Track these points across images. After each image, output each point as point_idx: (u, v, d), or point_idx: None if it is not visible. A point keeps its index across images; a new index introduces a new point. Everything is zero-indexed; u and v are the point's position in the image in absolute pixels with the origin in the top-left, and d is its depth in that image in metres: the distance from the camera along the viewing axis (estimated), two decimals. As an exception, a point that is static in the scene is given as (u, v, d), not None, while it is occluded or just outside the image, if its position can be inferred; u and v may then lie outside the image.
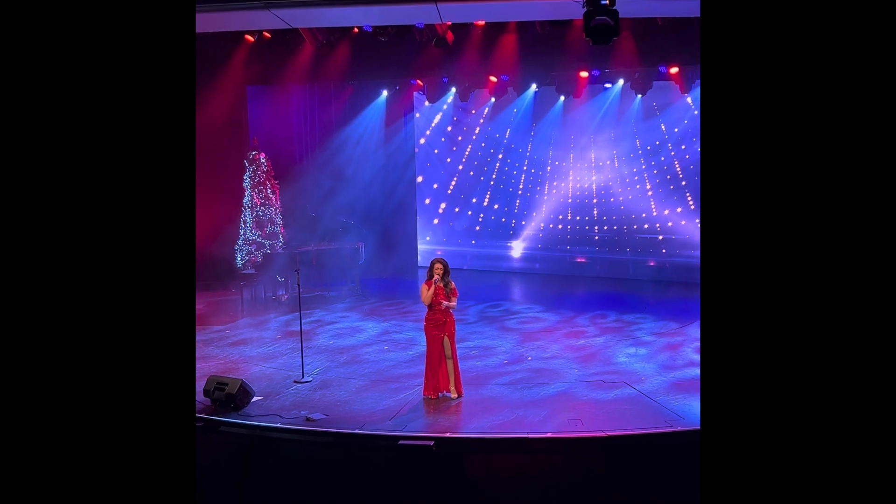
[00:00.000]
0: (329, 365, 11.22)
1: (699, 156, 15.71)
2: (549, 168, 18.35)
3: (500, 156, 18.86)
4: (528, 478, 7.87)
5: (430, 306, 9.75)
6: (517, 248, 18.82)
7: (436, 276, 9.79)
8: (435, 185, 19.69)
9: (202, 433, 8.93)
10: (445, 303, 9.73)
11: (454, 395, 9.83)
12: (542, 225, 18.45)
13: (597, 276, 17.56)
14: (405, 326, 13.36)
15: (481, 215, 19.18)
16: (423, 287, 9.85)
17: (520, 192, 18.71)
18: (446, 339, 9.84)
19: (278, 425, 9.15)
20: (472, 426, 8.77)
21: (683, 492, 7.47)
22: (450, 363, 9.87)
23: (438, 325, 9.81)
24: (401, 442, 8.44)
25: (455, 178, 19.39)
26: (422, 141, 19.42)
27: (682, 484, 7.56)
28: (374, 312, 14.69)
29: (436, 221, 19.71)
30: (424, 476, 8.08)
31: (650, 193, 17.17)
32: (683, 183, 16.68)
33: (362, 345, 12.31)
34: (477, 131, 18.92)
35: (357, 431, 8.92)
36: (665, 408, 8.96)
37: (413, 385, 10.16)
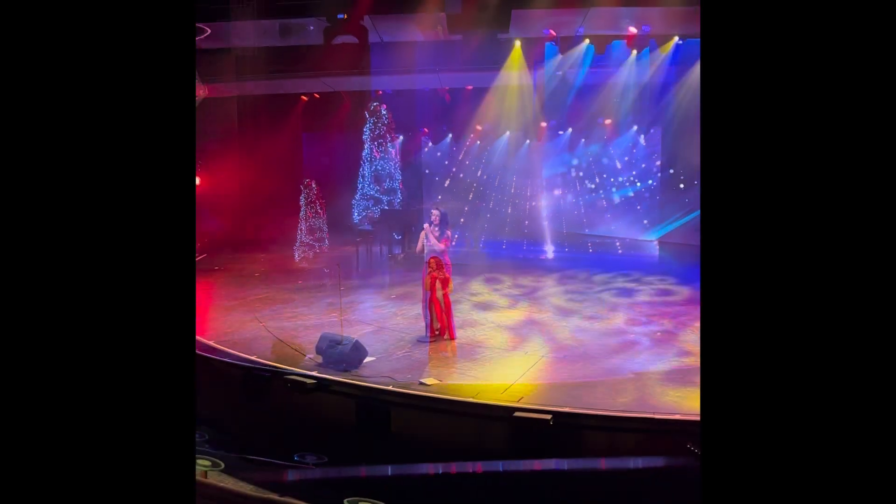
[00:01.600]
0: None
1: (614, 186, 15.71)
2: (513, 189, 17.98)
3: (475, 183, 18.36)
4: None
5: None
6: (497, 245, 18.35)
7: (433, 221, 8.88)
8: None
9: (311, 391, 7.49)
10: (432, 239, 8.80)
11: (447, 337, 8.96)
12: (507, 229, 18.11)
13: (547, 265, 17.13)
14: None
15: (462, 219, 18.74)
16: (421, 234, 8.98)
17: (491, 206, 18.32)
18: (439, 284, 8.84)
19: (390, 388, 7.37)
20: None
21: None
22: (443, 307, 8.97)
23: (433, 270, 8.86)
24: (515, 414, 6.72)
25: (440, 196, 18.90)
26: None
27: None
28: (491, 280, 12.22)
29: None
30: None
31: (583, 209, 16.87)
32: (605, 203, 16.33)
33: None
34: (461, 159, 18.36)
35: (470, 400, 7.10)
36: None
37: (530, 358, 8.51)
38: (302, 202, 15.31)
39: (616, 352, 8.84)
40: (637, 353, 8.80)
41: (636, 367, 8.33)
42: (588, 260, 13.32)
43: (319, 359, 8.29)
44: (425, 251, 9.03)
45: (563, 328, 9.87)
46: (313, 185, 15.31)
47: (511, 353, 8.88)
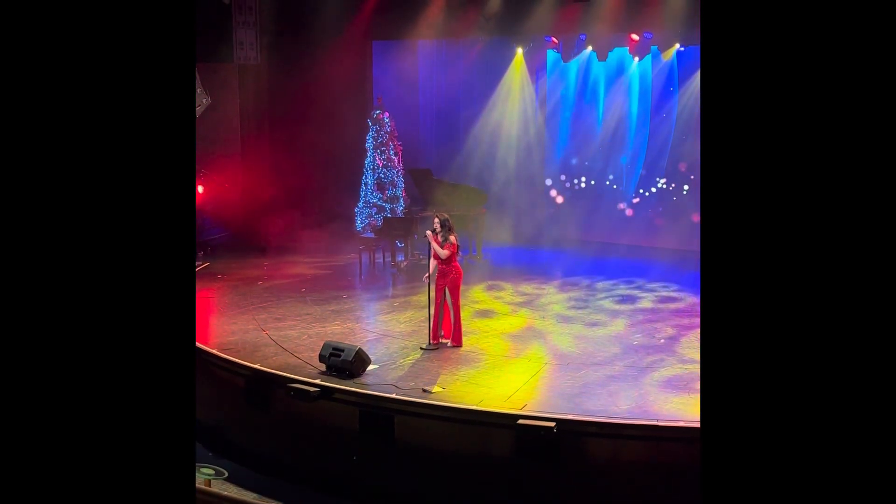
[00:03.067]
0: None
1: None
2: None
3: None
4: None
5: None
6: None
7: (435, 230, 8.83)
8: None
9: (316, 398, 7.54)
10: (434, 246, 8.73)
11: (451, 343, 8.95)
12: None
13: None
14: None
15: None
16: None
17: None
18: (448, 290, 8.86)
19: (394, 396, 7.43)
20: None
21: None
22: (451, 313, 8.94)
23: (442, 275, 8.87)
24: (519, 421, 6.75)
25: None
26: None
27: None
28: (493, 287, 12.03)
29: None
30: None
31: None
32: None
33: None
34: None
35: (474, 408, 7.11)
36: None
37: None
38: (369, 143, 13.43)
39: (618, 359, 8.86)
40: (639, 360, 8.83)
41: (638, 374, 8.36)
42: (590, 266, 13.33)
43: (323, 367, 8.31)
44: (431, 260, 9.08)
45: (565, 335, 9.88)
46: (386, 118, 13.47)
47: (514, 360, 8.92)
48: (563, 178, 15.63)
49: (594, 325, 10.34)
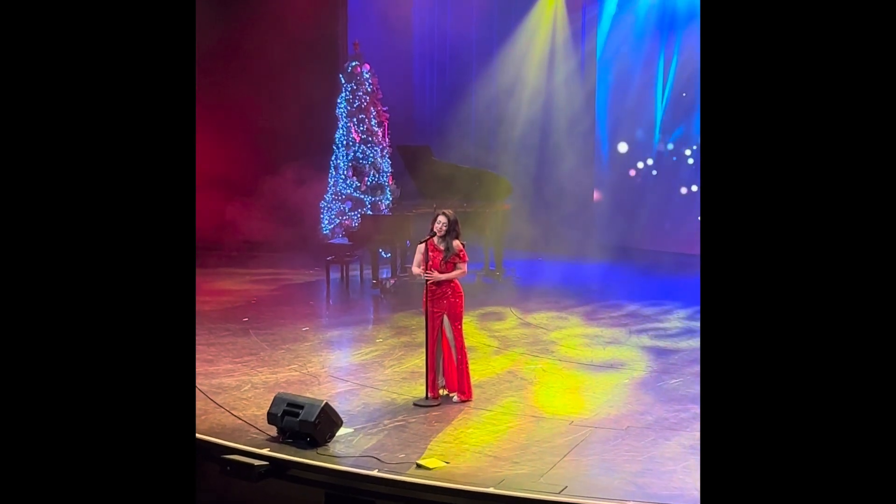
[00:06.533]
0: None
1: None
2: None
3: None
4: None
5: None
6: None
7: (436, 232, 8.84)
8: None
9: (264, 476, 7.45)
10: (436, 273, 8.82)
11: (457, 398, 9.04)
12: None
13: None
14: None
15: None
16: (418, 248, 9.03)
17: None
18: (447, 320, 8.95)
19: (375, 473, 7.31)
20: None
21: None
22: (454, 353, 9.00)
23: (437, 298, 8.94)
24: None
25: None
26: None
27: None
28: (490, 316, 12.31)
29: None
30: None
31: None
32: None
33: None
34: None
35: (493, 491, 6.97)
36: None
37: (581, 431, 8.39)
38: (341, 108, 13.69)
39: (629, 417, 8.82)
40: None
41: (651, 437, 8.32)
42: (657, 286, 13.46)
43: (273, 431, 8.33)
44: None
45: (553, 385, 9.93)
46: (365, 73, 13.69)
47: (544, 420, 8.87)
48: (623, 150, 15.67)
49: (607, 367, 10.40)
